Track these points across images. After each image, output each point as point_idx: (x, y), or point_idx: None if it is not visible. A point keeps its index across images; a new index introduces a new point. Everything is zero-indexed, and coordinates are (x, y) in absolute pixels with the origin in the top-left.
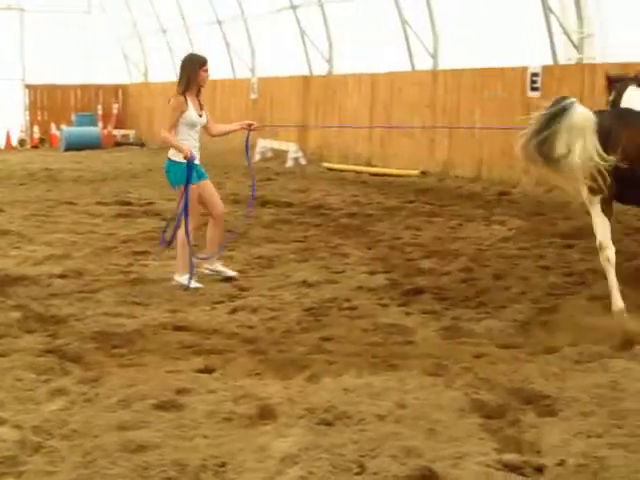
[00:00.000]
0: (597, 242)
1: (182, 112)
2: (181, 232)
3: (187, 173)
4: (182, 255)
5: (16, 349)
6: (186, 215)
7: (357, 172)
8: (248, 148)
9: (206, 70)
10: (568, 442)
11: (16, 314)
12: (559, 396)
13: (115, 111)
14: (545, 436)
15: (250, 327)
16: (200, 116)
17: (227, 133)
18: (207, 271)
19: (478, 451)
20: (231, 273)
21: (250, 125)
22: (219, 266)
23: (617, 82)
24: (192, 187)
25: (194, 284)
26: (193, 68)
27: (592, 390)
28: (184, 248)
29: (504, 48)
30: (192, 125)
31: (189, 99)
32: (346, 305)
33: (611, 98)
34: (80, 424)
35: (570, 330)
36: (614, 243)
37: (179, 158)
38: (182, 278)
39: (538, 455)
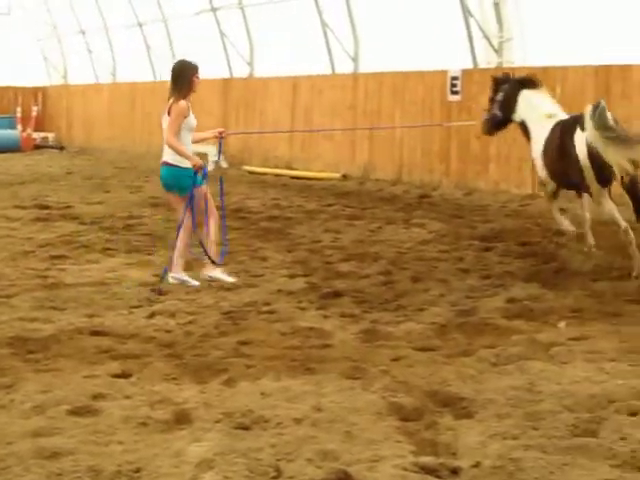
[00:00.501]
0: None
1: (185, 117)
2: (181, 232)
3: (192, 181)
4: (182, 254)
5: None
6: (194, 218)
7: (278, 175)
8: (220, 154)
9: (198, 77)
10: (484, 444)
11: None
12: (476, 398)
13: (34, 114)
14: (461, 438)
15: (168, 331)
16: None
17: (202, 140)
18: (207, 278)
19: (394, 454)
20: (231, 279)
21: (221, 133)
22: (219, 273)
23: (503, 84)
24: (202, 188)
25: (194, 282)
26: (189, 75)
27: (508, 392)
28: (185, 247)
29: (425, 52)
30: (191, 129)
31: (189, 105)
32: (265, 309)
33: (499, 98)
34: None
35: (487, 332)
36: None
37: (186, 164)
38: (180, 275)
39: (454, 457)
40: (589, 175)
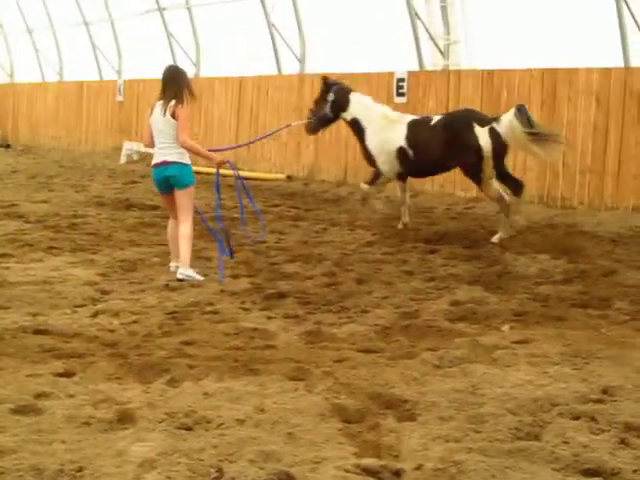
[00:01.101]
0: None
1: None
2: (188, 226)
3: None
4: (188, 249)
5: None
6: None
7: (223, 176)
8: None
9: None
10: (426, 446)
11: None
12: (419, 400)
13: None
14: (404, 440)
15: (111, 331)
16: None
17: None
18: (180, 276)
19: (337, 455)
20: (200, 278)
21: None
22: (191, 271)
23: (333, 86)
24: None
25: (198, 276)
26: (187, 81)
27: (451, 395)
28: (190, 242)
29: (371, 53)
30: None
31: None
32: (208, 309)
33: (330, 99)
34: None
35: (431, 335)
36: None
37: (188, 161)
38: (188, 271)
39: (396, 459)
40: (488, 162)
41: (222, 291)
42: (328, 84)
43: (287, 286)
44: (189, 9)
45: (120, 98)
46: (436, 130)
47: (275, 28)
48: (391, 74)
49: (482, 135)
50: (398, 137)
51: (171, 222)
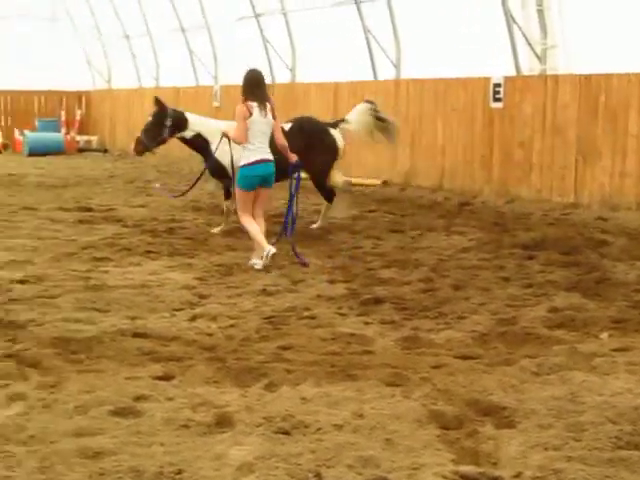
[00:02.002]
0: None
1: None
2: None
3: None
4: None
5: None
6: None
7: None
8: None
9: None
10: (525, 454)
11: None
12: (517, 408)
13: (78, 117)
14: (502, 448)
15: (209, 335)
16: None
17: None
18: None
19: (435, 462)
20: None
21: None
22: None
23: (167, 110)
24: None
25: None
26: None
27: (550, 402)
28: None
29: (467, 58)
30: None
31: None
32: (305, 314)
33: (169, 124)
34: (38, 429)
35: (529, 342)
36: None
37: None
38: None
39: (495, 467)
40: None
41: (319, 296)
42: (164, 109)
43: (384, 292)
44: (285, 14)
45: (216, 104)
46: (293, 135)
47: (370, 33)
48: (487, 79)
49: (337, 136)
50: None
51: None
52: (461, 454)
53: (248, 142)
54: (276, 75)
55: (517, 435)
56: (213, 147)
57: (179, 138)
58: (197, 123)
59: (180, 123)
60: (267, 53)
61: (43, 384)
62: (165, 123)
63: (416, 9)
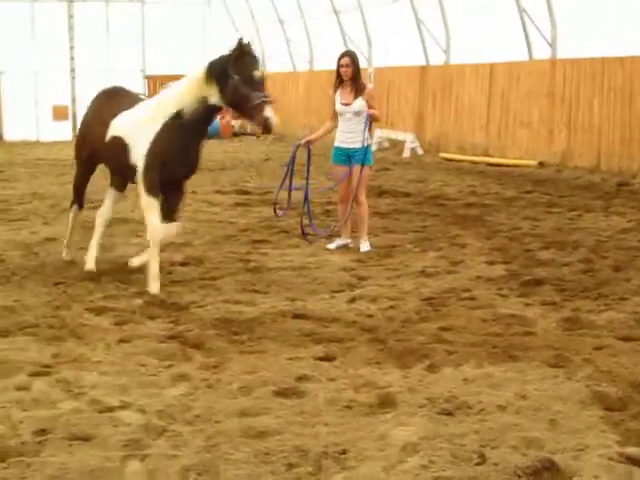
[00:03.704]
0: None
1: (333, 104)
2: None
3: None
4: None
5: (139, 335)
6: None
7: (474, 162)
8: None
9: (342, 65)
10: None
11: (139, 301)
12: None
13: None
14: None
15: (369, 316)
16: (346, 104)
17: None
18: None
19: (600, 443)
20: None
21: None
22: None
23: None
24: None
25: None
26: (336, 65)
27: None
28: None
29: (625, 36)
30: (340, 113)
31: (340, 91)
32: (465, 295)
33: None
34: (202, 409)
35: None
36: None
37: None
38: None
39: None
40: None
41: (478, 277)
42: None
43: (543, 273)
44: None
45: (371, 85)
46: None
47: (526, 13)
48: None
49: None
50: None
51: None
52: (626, 435)
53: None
54: (430, 57)
55: None
56: None
57: None
58: None
59: None
60: (421, 35)
61: (206, 365)
62: None
63: None
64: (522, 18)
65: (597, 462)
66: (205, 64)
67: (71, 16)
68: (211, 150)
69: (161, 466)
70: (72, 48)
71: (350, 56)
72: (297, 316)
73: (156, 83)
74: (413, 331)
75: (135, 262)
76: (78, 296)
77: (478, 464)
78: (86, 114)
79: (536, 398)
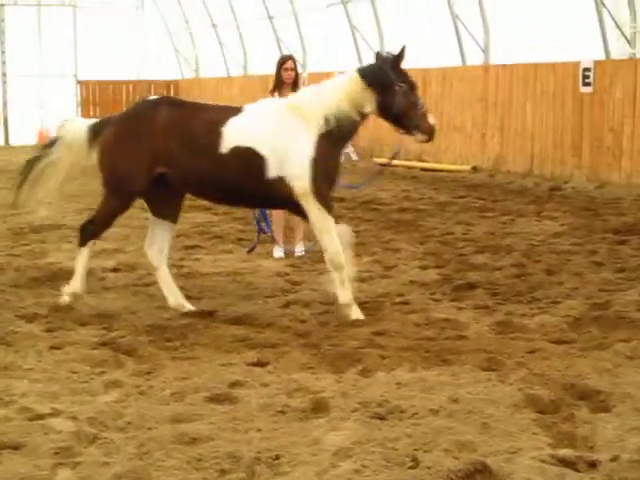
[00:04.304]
0: None
1: None
2: None
3: None
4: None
5: (71, 342)
6: None
7: (408, 167)
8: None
9: (287, 69)
10: (622, 438)
11: (70, 307)
12: (612, 392)
13: None
14: (599, 431)
15: (303, 321)
16: None
17: None
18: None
19: (532, 446)
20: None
21: None
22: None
23: None
24: None
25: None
26: (277, 68)
27: None
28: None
29: (556, 42)
30: None
31: (279, 96)
32: (398, 300)
33: None
34: (134, 416)
35: (623, 326)
36: None
37: None
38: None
39: (592, 450)
40: None
41: (412, 282)
42: None
43: (476, 277)
44: (372, 1)
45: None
46: None
47: (459, 19)
48: (576, 64)
49: None
50: None
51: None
52: (558, 438)
53: None
54: (365, 62)
55: (613, 419)
56: None
57: None
58: None
59: None
60: (355, 40)
61: (139, 371)
62: None
63: None
64: (455, 24)
65: (529, 464)
66: (353, 71)
67: (2, 20)
68: None
69: (92, 474)
70: (3, 52)
71: (294, 60)
72: (230, 322)
73: (89, 88)
74: (346, 336)
75: (342, 299)
76: (8, 303)
77: (411, 468)
78: (137, 130)
79: (469, 401)
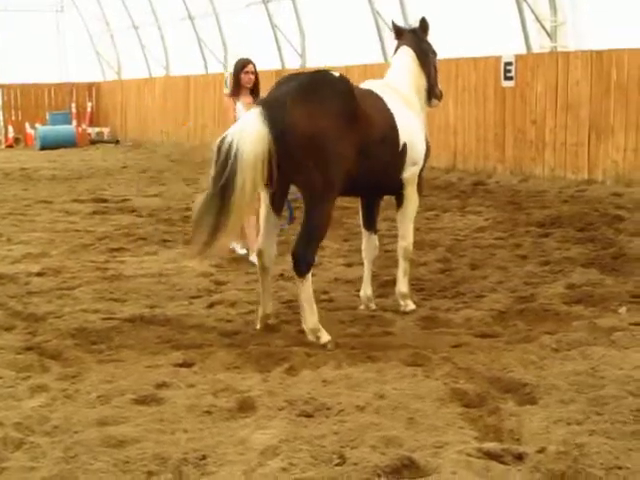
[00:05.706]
0: None
1: (233, 112)
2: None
3: None
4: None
5: None
6: None
7: None
8: None
9: (247, 72)
10: (548, 429)
11: None
12: (538, 384)
13: (89, 109)
14: (525, 424)
15: (228, 321)
16: None
17: None
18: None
19: (458, 440)
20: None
21: None
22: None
23: None
24: None
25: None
26: (236, 72)
27: (571, 377)
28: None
29: (477, 37)
30: None
31: (239, 100)
32: (324, 297)
33: None
34: (61, 420)
35: (548, 319)
36: (592, 230)
37: None
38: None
39: (518, 443)
40: None
41: (336, 279)
42: None
43: None
44: (293, 0)
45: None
46: None
47: (380, 16)
48: (498, 58)
49: None
50: None
51: None
52: (484, 431)
53: None
54: (286, 61)
55: (539, 411)
56: None
57: None
58: None
59: None
60: (276, 39)
61: (64, 375)
62: None
63: None
64: (376, 21)
65: (455, 458)
66: (405, 48)
67: None
68: (67, 159)
69: (19, 479)
70: None
71: (254, 64)
72: (156, 323)
73: (10, 92)
74: (272, 335)
75: (402, 288)
76: None
77: (338, 464)
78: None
79: (395, 397)
